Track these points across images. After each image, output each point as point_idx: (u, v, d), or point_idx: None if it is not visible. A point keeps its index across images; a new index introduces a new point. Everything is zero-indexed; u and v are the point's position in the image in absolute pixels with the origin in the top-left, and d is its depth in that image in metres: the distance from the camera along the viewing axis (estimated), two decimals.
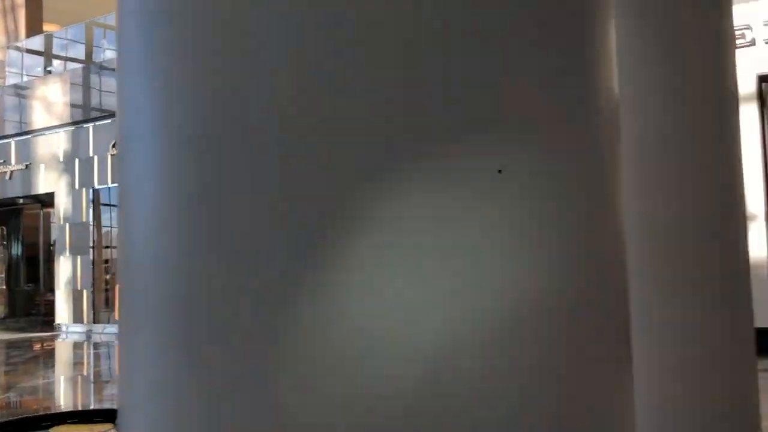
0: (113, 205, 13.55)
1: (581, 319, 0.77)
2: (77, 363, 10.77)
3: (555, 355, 0.73)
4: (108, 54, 14.18)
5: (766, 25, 7.48)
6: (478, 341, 0.68)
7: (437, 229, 0.68)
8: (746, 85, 7.61)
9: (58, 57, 15.76)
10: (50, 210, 15.48)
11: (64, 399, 7.52)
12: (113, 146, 12.33)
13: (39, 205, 16.18)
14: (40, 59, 15.85)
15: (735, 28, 7.77)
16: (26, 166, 14.87)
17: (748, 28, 7.55)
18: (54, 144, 14.46)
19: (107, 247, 14.01)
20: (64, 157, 14.26)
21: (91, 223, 13.94)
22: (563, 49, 0.77)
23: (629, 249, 2.74)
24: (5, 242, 17.39)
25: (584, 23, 0.80)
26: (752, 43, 7.55)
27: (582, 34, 0.80)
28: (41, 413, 5.36)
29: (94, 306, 13.75)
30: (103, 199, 14.06)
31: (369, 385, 0.65)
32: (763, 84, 7.61)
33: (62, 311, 14.19)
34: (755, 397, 3.08)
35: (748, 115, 7.61)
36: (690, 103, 2.86)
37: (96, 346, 12.19)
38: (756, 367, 3.11)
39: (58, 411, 5.78)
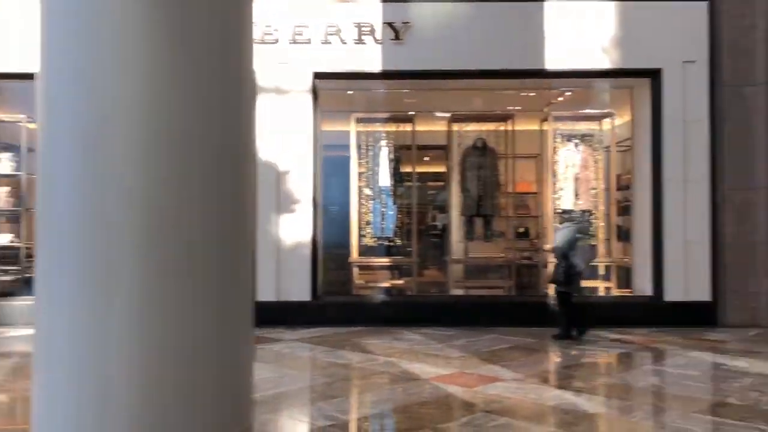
0: None
1: None
2: None
3: None
4: None
5: (321, 26, 8.26)
6: None
7: None
8: (303, 80, 8.35)
9: None
10: None
11: None
12: None
13: None
14: None
15: (295, 26, 8.36)
16: None
17: (306, 27, 8.25)
18: None
19: None
20: None
21: None
22: None
23: (128, 234, 2.64)
24: None
25: None
26: (309, 41, 8.27)
27: None
28: None
29: None
30: None
31: None
32: (317, 80, 8.41)
33: None
34: (250, 366, 3.33)
35: (304, 107, 8.37)
36: (198, 92, 2.91)
37: None
38: (252, 338, 3.38)
39: None
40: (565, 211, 7.88)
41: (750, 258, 8.11)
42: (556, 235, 7.55)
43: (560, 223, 7.60)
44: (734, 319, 8.05)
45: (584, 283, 9.26)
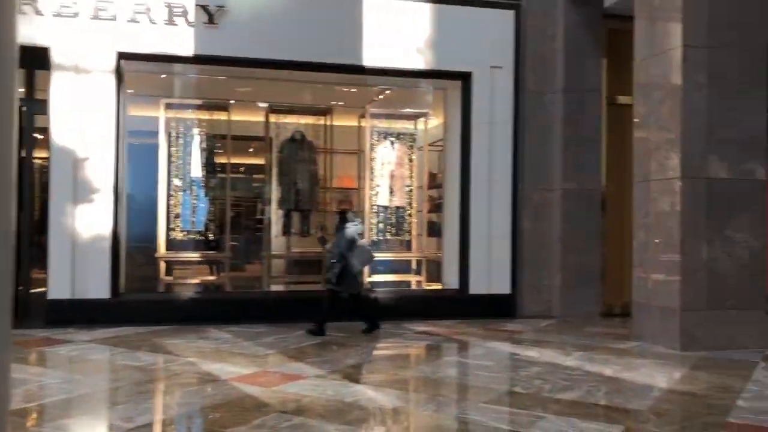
0: None
1: None
2: None
3: None
4: None
5: (128, 3, 7.67)
6: None
7: None
8: (106, 60, 7.71)
9: None
10: None
11: None
12: None
13: None
14: None
15: (98, 0, 7.64)
16: None
17: (110, 2, 7.62)
18: None
19: None
20: None
21: None
22: None
23: None
24: None
25: None
26: (114, 18, 7.64)
27: None
28: None
29: None
30: None
31: None
32: (122, 60, 7.81)
33: None
34: (5, 373, 2.94)
35: (107, 89, 7.73)
36: None
37: None
38: (10, 339, 3.00)
39: None
40: (342, 212, 7.70)
41: (545, 254, 8.72)
42: (336, 236, 7.50)
43: (340, 223, 7.53)
44: (531, 311, 8.62)
45: (394, 278, 9.48)
